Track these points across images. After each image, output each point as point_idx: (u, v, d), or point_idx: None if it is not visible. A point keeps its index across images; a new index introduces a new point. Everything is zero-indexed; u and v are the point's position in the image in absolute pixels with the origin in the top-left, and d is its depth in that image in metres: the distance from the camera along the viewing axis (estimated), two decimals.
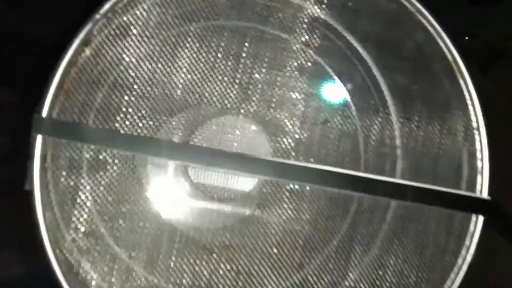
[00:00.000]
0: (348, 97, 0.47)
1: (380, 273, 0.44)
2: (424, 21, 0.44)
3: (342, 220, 0.46)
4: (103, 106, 0.42)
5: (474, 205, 0.44)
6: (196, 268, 0.43)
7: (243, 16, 0.45)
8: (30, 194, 0.38)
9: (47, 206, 0.39)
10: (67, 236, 0.40)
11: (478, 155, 0.44)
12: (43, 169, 0.39)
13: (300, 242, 0.44)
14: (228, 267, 0.43)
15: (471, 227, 0.44)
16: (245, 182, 0.46)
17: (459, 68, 0.44)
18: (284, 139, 0.46)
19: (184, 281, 0.43)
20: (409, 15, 0.45)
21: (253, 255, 0.44)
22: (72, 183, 0.41)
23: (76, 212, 0.41)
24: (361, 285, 0.44)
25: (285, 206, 0.45)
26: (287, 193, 0.45)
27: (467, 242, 0.44)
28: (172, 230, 0.44)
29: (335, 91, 0.47)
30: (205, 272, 0.43)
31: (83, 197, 0.41)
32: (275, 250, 0.44)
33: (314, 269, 0.45)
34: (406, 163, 0.45)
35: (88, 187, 0.41)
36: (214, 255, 0.44)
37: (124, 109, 0.42)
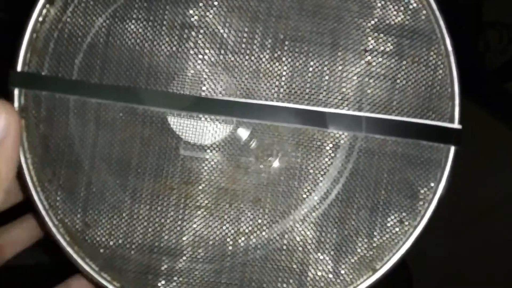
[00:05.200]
0: None
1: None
2: None
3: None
4: (81, 63, 0.46)
5: (444, 135, 0.41)
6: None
7: None
8: None
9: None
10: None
11: (447, 80, 0.41)
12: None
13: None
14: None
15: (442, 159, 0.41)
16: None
17: None
18: None
19: None
20: None
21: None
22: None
23: None
24: None
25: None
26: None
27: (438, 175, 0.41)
28: None
29: None
30: None
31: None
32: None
33: None
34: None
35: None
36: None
37: (97, 65, 0.45)
